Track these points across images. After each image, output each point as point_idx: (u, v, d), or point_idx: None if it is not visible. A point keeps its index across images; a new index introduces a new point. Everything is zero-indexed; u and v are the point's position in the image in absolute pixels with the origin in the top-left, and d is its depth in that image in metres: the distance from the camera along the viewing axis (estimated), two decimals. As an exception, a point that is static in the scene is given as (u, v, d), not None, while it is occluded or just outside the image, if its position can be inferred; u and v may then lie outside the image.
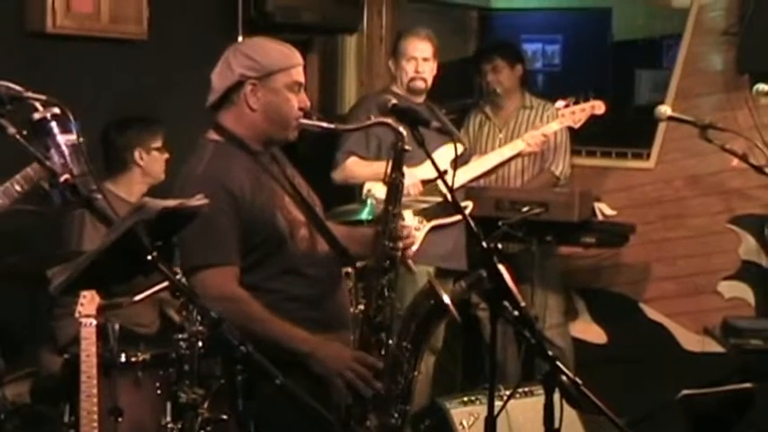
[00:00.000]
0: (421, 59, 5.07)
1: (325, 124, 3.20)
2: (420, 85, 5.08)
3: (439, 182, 3.14)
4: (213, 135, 3.12)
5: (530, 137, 5.11)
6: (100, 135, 4.59)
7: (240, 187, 3.00)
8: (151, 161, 4.59)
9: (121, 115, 4.71)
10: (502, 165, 5.22)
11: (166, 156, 4.62)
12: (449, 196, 3.04)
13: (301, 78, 3.12)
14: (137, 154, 4.56)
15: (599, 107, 5.15)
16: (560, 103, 5.17)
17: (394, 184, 3.15)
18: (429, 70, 5.09)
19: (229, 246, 2.97)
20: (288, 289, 3.05)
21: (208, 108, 3.16)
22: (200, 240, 2.89)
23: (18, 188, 3.54)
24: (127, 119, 4.64)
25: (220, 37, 5.38)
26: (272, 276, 3.04)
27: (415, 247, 3.24)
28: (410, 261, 3.22)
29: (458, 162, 4.93)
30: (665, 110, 4.76)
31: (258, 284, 3.01)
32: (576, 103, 5.15)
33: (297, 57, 3.14)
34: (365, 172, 4.93)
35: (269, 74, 3.06)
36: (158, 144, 4.61)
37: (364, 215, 4.61)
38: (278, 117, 3.09)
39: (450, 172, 3.04)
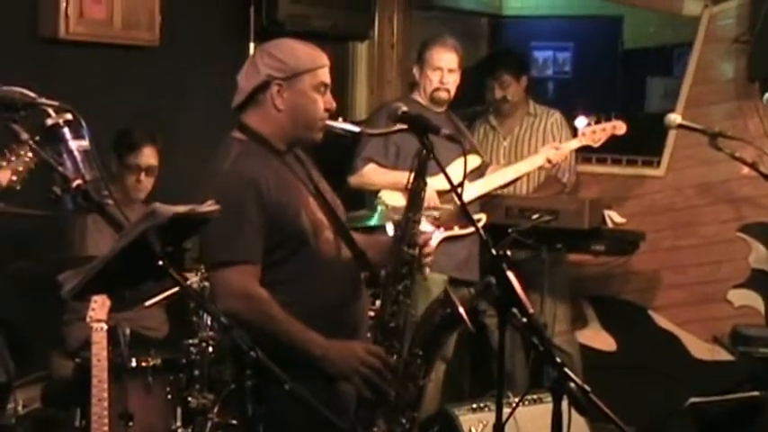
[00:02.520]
0: (446, 70, 5.07)
1: (351, 127, 3.21)
2: (443, 95, 5.09)
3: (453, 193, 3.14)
4: (238, 134, 3.12)
5: (554, 155, 5.10)
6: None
7: (266, 184, 2.99)
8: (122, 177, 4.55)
9: (133, 121, 4.73)
10: (517, 180, 5.23)
11: (142, 178, 4.52)
12: (462, 208, 3.03)
13: (327, 79, 3.13)
14: (113, 164, 4.53)
15: (620, 128, 5.15)
16: (582, 122, 5.17)
17: (416, 191, 3.14)
18: (453, 81, 5.09)
19: (253, 243, 2.97)
20: (308, 291, 3.04)
21: (234, 109, 3.16)
22: (224, 236, 2.88)
23: None
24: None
25: (232, 44, 5.42)
26: (294, 276, 3.03)
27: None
28: (427, 268, 3.22)
29: (474, 174, 5.00)
30: (675, 118, 4.76)
31: (277, 284, 3.00)
32: (598, 122, 5.15)
33: (323, 58, 3.15)
34: (383, 180, 4.93)
35: (295, 75, 3.07)
36: (134, 162, 4.53)
37: (375, 221, 4.61)
38: (304, 117, 3.09)
39: (465, 183, 3.03)
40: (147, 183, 4.56)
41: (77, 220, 4.36)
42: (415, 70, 5.19)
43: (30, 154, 3.61)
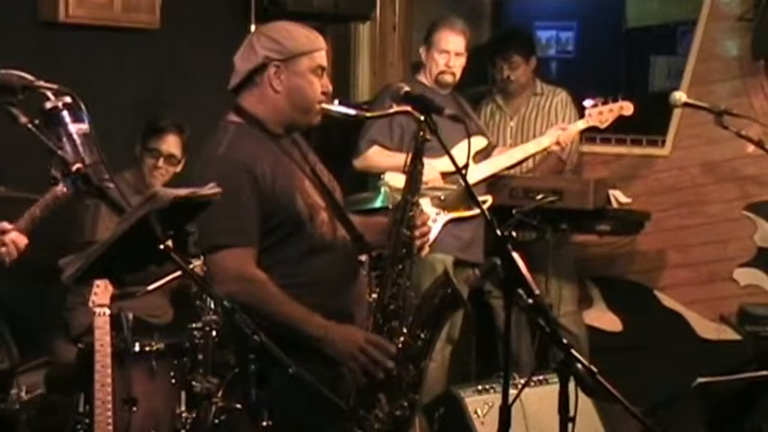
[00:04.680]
0: (453, 54, 5.04)
1: (347, 110, 3.20)
2: (449, 79, 5.07)
3: (468, 170, 3.11)
4: (233, 117, 3.11)
5: (562, 137, 5.06)
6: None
7: (260, 168, 2.99)
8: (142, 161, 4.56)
9: (134, 104, 4.73)
10: (525, 161, 5.20)
11: (160, 164, 4.55)
12: (467, 189, 3.01)
13: (324, 62, 3.12)
14: (137, 148, 4.56)
15: (627, 108, 5.11)
16: (589, 102, 5.14)
17: (413, 173, 3.13)
18: (459, 65, 5.08)
19: (249, 227, 2.97)
20: (306, 272, 3.04)
21: (230, 91, 3.14)
22: (219, 220, 2.87)
23: (38, 213, 3.59)
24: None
25: (233, 26, 5.39)
26: (291, 259, 3.04)
27: (431, 237, 3.23)
28: (423, 251, 3.20)
29: (480, 155, 4.97)
30: (680, 96, 4.73)
31: (276, 266, 3.01)
32: (605, 103, 5.11)
33: (320, 41, 3.14)
34: (387, 162, 4.89)
35: (293, 56, 3.06)
36: (155, 146, 4.56)
37: (378, 203, 4.60)
38: (301, 100, 3.08)
39: (470, 163, 3.02)
40: (165, 171, 4.56)
41: (91, 204, 4.34)
42: (422, 51, 5.15)
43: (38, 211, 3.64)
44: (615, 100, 5.13)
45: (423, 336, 3.10)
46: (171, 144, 4.57)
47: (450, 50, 5.03)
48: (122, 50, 5.01)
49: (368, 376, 2.99)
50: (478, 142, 5.00)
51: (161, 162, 4.54)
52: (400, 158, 4.78)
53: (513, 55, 5.53)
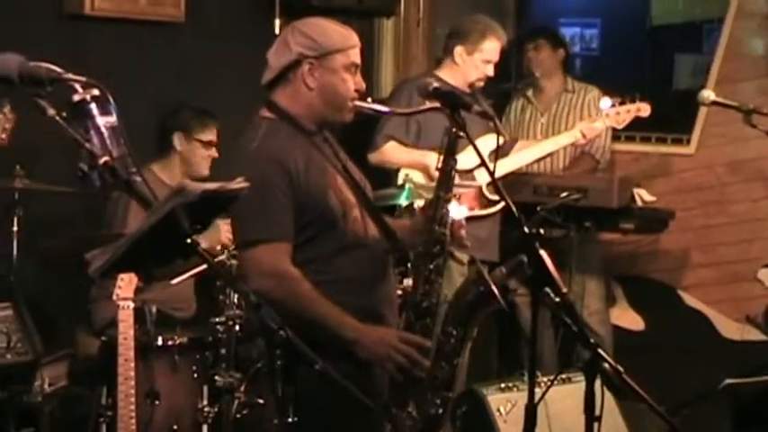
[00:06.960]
0: (494, 63, 5.01)
1: (380, 107, 3.19)
2: (481, 84, 5.02)
3: (482, 170, 3.10)
4: (266, 113, 3.10)
5: (587, 128, 5.02)
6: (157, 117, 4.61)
7: (294, 164, 2.97)
8: (190, 150, 4.56)
9: (158, 97, 4.73)
10: (543, 158, 5.16)
11: (212, 152, 4.58)
12: (492, 185, 3.00)
13: (358, 60, 3.11)
14: (175, 138, 4.54)
15: (644, 110, 5.07)
16: (606, 103, 5.10)
17: (447, 170, 3.11)
18: None
19: (284, 222, 2.95)
20: (338, 270, 3.02)
21: (263, 86, 3.13)
22: (255, 215, 2.87)
23: None
24: (185, 105, 4.64)
25: (257, 20, 5.39)
26: (323, 256, 3.02)
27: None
28: (456, 249, 3.18)
29: (499, 151, 4.93)
30: (708, 95, 4.68)
31: (307, 264, 2.98)
32: (622, 103, 5.08)
33: (354, 38, 3.13)
34: (403, 158, 4.87)
35: (327, 54, 3.04)
36: (204, 137, 4.57)
37: (402, 199, 4.57)
38: (334, 97, 3.06)
39: (491, 161, 3.00)
40: (210, 158, 4.62)
41: (120, 197, 4.35)
42: (460, 51, 4.98)
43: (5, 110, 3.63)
44: (633, 100, 5.08)
45: (455, 333, 3.07)
46: (215, 131, 4.60)
47: (493, 60, 4.97)
48: (147, 44, 5.02)
49: (406, 375, 2.97)
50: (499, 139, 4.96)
51: (213, 150, 4.57)
52: (416, 155, 4.81)
53: (539, 38, 5.63)
